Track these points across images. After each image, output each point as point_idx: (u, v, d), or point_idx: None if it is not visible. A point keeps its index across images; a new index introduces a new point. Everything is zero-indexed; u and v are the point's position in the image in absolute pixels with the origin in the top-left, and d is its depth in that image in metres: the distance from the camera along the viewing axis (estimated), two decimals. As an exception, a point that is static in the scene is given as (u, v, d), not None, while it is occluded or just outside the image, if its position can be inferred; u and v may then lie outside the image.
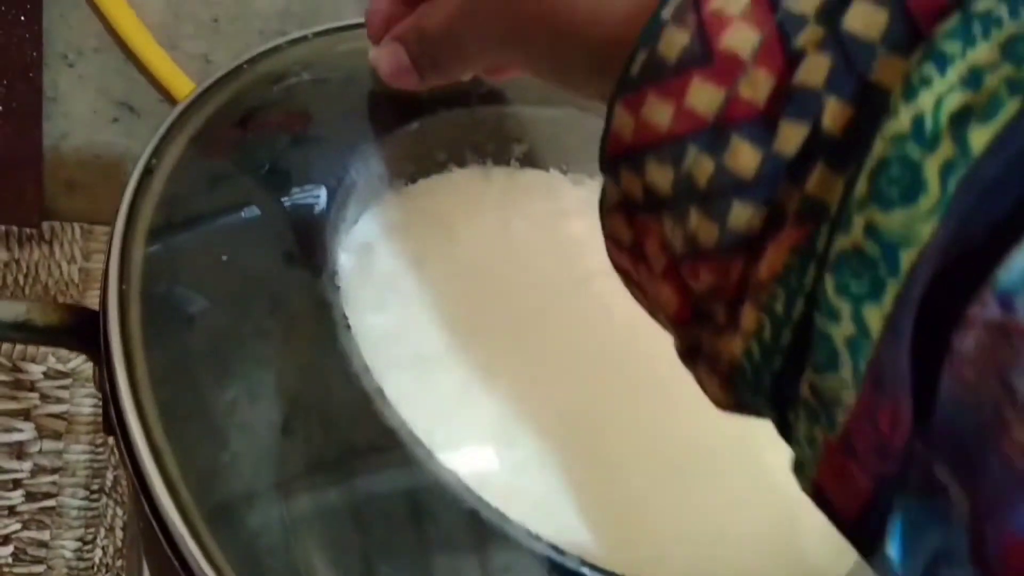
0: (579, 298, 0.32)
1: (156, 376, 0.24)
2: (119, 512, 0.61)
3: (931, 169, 0.13)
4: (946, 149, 0.13)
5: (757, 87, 0.15)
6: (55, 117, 0.65)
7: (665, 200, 0.16)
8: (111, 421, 0.24)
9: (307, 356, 0.26)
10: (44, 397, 0.63)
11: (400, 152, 0.32)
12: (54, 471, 0.61)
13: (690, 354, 0.18)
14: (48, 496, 0.60)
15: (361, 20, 0.38)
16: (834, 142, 0.14)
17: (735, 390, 0.17)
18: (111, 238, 0.27)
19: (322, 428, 0.25)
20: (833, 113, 0.14)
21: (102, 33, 0.61)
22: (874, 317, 0.14)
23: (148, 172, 0.28)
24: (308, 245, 0.28)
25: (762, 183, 0.15)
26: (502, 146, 0.33)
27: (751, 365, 0.16)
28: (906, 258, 0.13)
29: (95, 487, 0.61)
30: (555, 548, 0.23)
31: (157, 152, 0.29)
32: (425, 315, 0.29)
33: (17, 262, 0.69)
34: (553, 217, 0.33)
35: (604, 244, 0.19)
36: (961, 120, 0.13)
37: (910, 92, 0.13)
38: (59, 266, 0.70)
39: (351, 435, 0.25)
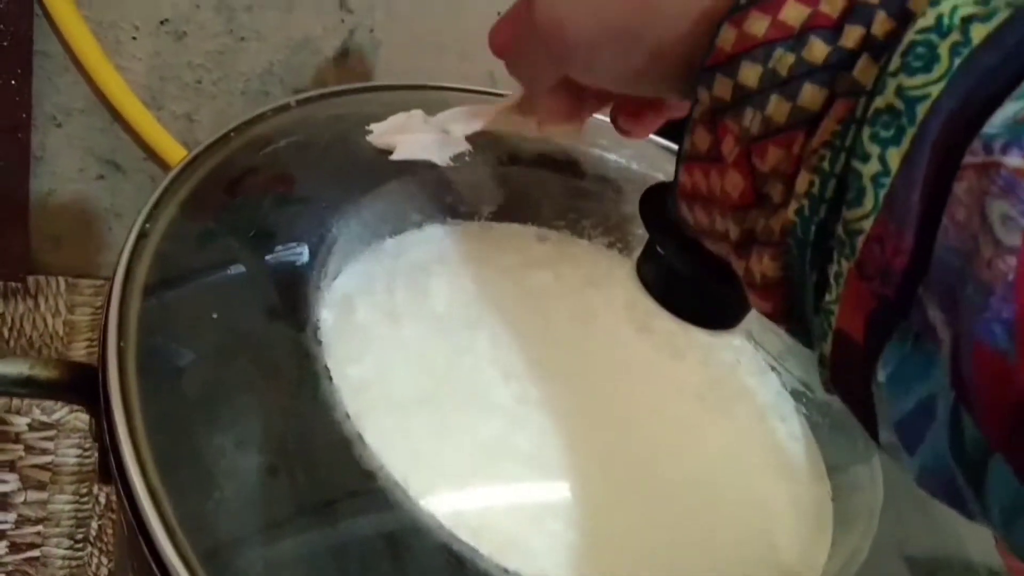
0: (546, 343, 0.34)
1: (151, 426, 0.26)
2: (104, 561, 0.61)
3: (944, 49, 0.19)
4: (955, 36, 0.19)
5: (835, 5, 0.21)
6: (42, 175, 0.67)
7: (751, 93, 0.22)
8: (110, 470, 0.26)
9: (291, 405, 0.27)
10: (29, 448, 0.64)
11: (377, 211, 0.34)
12: (38, 521, 0.62)
13: (744, 242, 0.23)
14: (33, 546, 0.61)
15: (341, 87, 0.40)
16: (877, 42, 0.20)
17: (784, 259, 0.21)
18: (108, 298, 0.28)
19: (305, 472, 0.26)
20: (881, 22, 0.20)
21: (89, 95, 0.63)
22: (894, 157, 0.19)
23: (143, 236, 0.30)
24: (291, 300, 0.30)
25: (828, 68, 0.21)
26: (472, 204, 0.36)
27: (802, 220, 0.21)
28: (921, 110, 0.18)
29: (79, 536, 0.62)
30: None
31: (151, 217, 0.31)
32: (402, 363, 0.31)
33: (2, 316, 0.70)
34: (520, 269, 0.35)
35: (679, 183, 0.24)
36: (968, 20, 0.19)
37: (934, 2, 0.19)
38: (44, 319, 0.71)
39: (333, 478, 0.26)
